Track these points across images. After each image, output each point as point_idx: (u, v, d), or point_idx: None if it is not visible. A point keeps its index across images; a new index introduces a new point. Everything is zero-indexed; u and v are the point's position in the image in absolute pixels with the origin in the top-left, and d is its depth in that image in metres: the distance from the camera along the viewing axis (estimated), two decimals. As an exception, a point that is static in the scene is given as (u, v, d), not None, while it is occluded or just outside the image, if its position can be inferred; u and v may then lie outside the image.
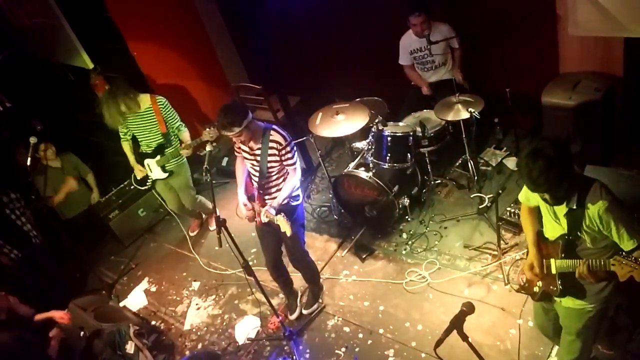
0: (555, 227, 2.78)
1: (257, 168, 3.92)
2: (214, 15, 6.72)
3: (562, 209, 2.64)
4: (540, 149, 2.41)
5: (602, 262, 2.56)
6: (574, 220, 2.62)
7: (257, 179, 3.98)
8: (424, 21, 4.84)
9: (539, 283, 2.99)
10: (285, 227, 3.77)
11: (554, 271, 2.84)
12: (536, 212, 2.96)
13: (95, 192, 6.33)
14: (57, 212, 6.03)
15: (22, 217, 5.29)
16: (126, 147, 5.22)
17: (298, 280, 4.67)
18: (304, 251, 4.37)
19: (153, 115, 4.93)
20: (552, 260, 2.83)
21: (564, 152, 2.43)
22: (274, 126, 3.86)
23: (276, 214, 3.79)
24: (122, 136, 5.17)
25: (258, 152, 3.86)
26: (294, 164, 3.88)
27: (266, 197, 4.02)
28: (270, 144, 3.80)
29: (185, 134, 5.09)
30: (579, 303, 2.84)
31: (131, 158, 5.25)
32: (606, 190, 2.54)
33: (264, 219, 3.89)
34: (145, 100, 4.92)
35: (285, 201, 3.95)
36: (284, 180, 3.96)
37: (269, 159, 3.84)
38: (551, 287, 2.89)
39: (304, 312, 4.61)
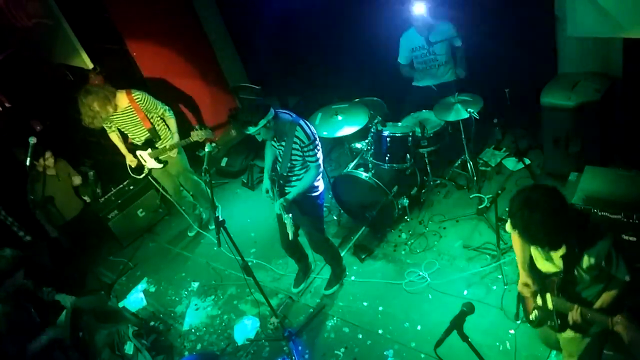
0: (547, 264, 2.72)
1: (281, 159, 3.96)
2: (213, 15, 6.72)
3: (558, 252, 2.56)
4: (534, 200, 2.31)
5: (602, 317, 2.48)
6: (571, 262, 2.54)
7: (279, 168, 4.02)
8: (422, 23, 4.85)
9: (535, 312, 2.92)
10: (289, 228, 3.83)
11: (550, 307, 2.77)
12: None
13: (76, 178, 6.07)
14: (51, 219, 5.95)
15: (10, 218, 5.27)
16: (114, 137, 5.20)
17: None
18: (323, 238, 4.42)
19: (134, 114, 4.89)
20: (548, 297, 2.76)
21: (559, 201, 2.34)
22: (301, 122, 3.85)
23: (287, 212, 3.86)
24: (107, 129, 5.15)
25: (283, 144, 3.89)
26: (316, 161, 3.89)
27: (286, 185, 4.07)
28: (295, 139, 3.81)
29: (171, 120, 5.04)
30: (579, 334, 2.79)
31: (122, 147, 5.22)
32: (605, 229, 2.46)
33: (276, 210, 3.95)
34: (122, 99, 4.84)
35: (300, 196, 3.99)
36: (305, 172, 3.99)
37: (293, 152, 3.87)
38: (549, 323, 2.83)
39: (325, 292, 4.67)
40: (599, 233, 2.46)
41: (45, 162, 5.64)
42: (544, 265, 2.75)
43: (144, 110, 4.89)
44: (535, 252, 2.78)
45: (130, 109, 4.86)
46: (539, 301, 2.85)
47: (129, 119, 4.92)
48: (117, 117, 4.93)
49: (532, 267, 2.87)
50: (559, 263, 2.61)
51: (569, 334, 2.82)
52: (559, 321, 2.76)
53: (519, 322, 3.69)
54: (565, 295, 2.67)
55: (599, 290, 2.63)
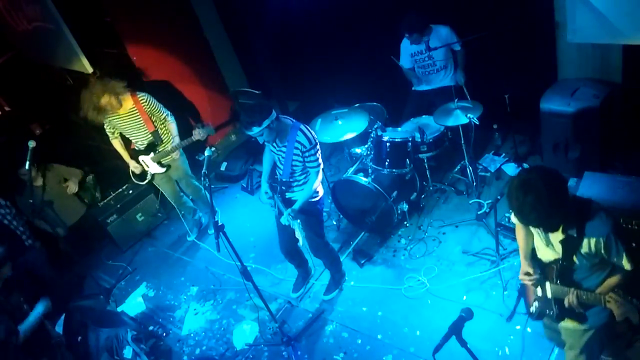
0: (547, 251, 2.71)
1: (282, 164, 3.96)
2: (213, 20, 6.74)
3: (557, 236, 2.56)
4: (530, 182, 2.29)
5: (597, 297, 2.50)
6: (570, 247, 2.53)
7: (280, 173, 4.02)
8: (415, 40, 4.88)
9: (536, 304, 2.93)
10: (298, 234, 3.84)
11: (549, 295, 2.77)
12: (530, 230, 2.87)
13: (72, 184, 5.79)
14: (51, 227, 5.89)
15: (14, 222, 5.24)
16: (117, 144, 5.19)
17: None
18: (323, 242, 4.42)
19: (138, 116, 4.88)
20: (547, 284, 2.76)
21: (555, 183, 2.31)
22: (302, 126, 3.86)
23: (294, 219, 3.86)
24: (110, 134, 5.14)
25: (283, 149, 3.88)
26: (317, 166, 3.90)
27: (287, 191, 4.07)
28: (295, 144, 3.81)
29: (172, 125, 5.04)
30: (579, 325, 2.78)
31: (124, 154, 5.21)
32: (606, 214, 2.44)
33: (283, 221, 3.94)
34: (127, 100, 4.83)
35: (303, 203, 3.99)
36: (306, 177, 3.99)
37: (293, 157, 3.87)
38: (548, 312, 2.84)
39: (324, 297, 4.67)
40: (599, 218, 2.43)
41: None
42: (545, 253, 2.75)
43: (147, 113, 4.89)
44: (537, 240, 2.77)
45: (135, 110, 4.86)
46: (539, 292, 2.85)
47: (133, 121, 4.91)
48: (121, 120, 4.92)
49: (534, 258, 2.88)
50: (559, 249, 2.60)
51: (567, 324, 2.82)
52: (557, 309, 2.76)
53: (509, 322, 3.81)
54: (564, 283, 2.66)
55: (600, 280, 2.61)
